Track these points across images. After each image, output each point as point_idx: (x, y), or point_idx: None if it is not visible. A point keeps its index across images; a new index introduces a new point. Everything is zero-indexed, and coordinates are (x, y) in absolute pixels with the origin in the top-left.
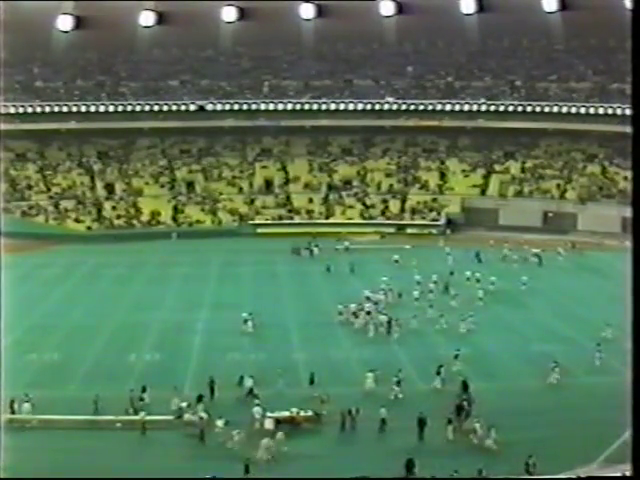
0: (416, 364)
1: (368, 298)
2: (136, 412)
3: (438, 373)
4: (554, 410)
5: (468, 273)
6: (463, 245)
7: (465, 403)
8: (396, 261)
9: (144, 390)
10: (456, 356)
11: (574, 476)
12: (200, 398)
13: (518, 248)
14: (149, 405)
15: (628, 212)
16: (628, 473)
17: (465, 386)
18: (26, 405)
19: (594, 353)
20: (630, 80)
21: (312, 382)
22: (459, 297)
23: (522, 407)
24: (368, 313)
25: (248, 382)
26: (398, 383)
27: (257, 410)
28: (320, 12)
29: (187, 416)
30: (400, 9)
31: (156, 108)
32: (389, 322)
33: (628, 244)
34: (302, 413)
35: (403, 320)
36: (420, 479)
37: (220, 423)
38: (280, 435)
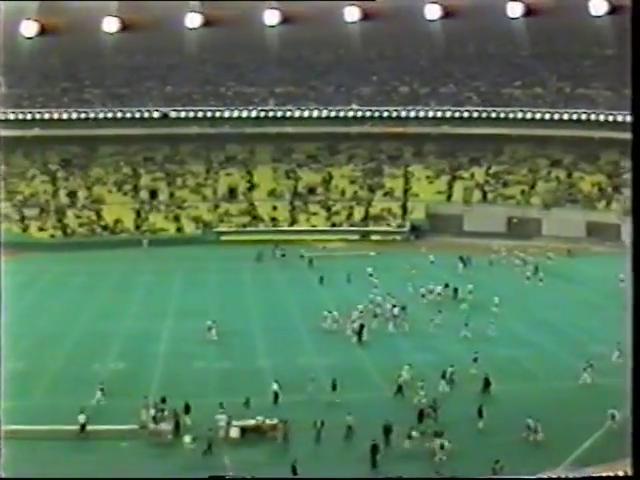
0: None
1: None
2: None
3: (443, 377)
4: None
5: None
6: (431, 252)
7: (430, 409)
8: (370, 274)
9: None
10: (475, 359)
11: (574, 476)
12: (163, 410)
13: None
14: (113, 414)
15: (593, 217)
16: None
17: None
18: None
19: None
20: (594, 85)
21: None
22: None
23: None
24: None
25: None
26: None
27: (222, 418)
28: (285, 18)
29: (152, 426)
30: (365, 15)
31: (119, 115)
32: (361, 328)
33: (595, 249)
34: (268, 421)
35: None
36: (422, 479)
37: (188, 439)
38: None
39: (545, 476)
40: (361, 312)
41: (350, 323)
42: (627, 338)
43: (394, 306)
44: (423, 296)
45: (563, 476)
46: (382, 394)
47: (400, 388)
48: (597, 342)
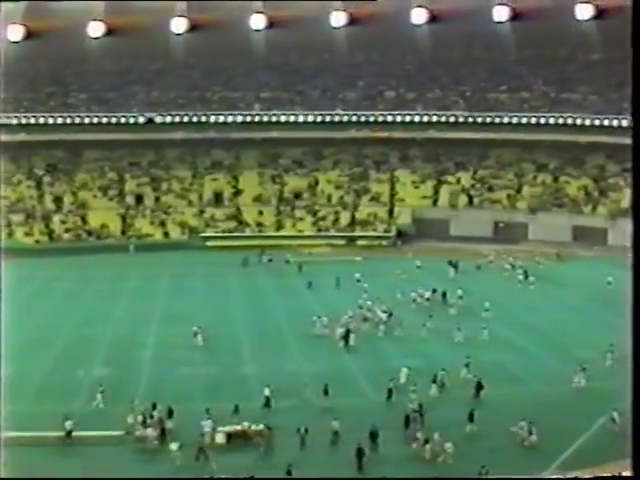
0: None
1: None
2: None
3: (434, 381)
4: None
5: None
6: (417, 257)
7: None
8: (358, 280)
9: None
10: (467, 364)
11: (574, 476)
12: (152, 416)
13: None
14: (99, 421)
15: (579, 221)
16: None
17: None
18: None
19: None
20: (579, 89)
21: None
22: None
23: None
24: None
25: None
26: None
27: (207, 424)
28: (271, 23)
29: (138, 432)
30: (351, 20)
31: (105, 120)
32: (347, 333)
33: (583, 253)
34: (253, 427)
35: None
36: (425, 479)
37: (174, 447)
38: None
39: (545, 476)
40: (351, 317)
41: (340, 328)
42: (619, 341)
43: (384, 312)
44: (414, 301)
45: (564, 477)
46: (371, 399)
47: (390, 393)
48: (590, 346)
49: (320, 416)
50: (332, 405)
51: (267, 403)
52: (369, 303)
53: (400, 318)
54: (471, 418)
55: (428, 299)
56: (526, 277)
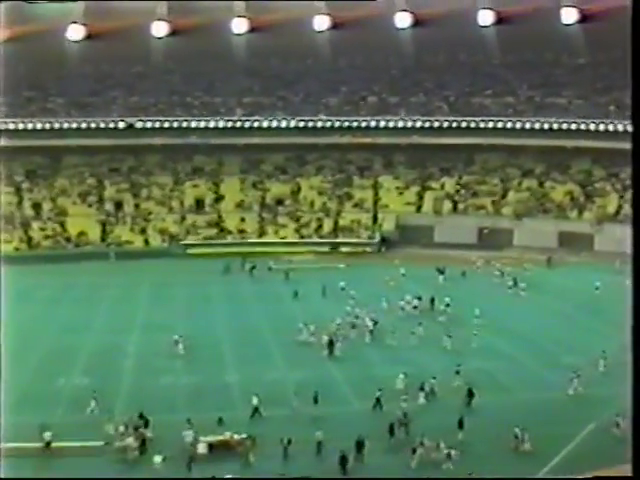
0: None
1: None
2: None
3: (422, 389)
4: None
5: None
6: (402, 263)
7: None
8: (342, 288)
9: None
10: (458, 372)
11: (574, 477)
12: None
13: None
14: (78, 431)
15: (565, 227)
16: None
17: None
18: None
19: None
20: (565, 93)
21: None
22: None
23: None
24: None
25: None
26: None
27: (189, 434)
28: (252, 27)
29: (118, 442)
30: (334, 24)
31: (84, 125)
32: (330, 342)
33: (571, 259)
34: (236, 436)
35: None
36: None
37: (158, 459)
38: None
39: (546, 477)
40: (338, 324)
41: (326, 336)
42: (608, 347)
43: (372, 320)
44: (402, 309)
45: (564, 477)
46: (357, 408)
47: (379, 401)
48: (580, 353)
49: (307, 425)
50: (322, 414)
51: (255, 412)
52: (357, 310)
53: (389, 326)
54: (460, 425)
55: (416, 307)
56: (515, 284)
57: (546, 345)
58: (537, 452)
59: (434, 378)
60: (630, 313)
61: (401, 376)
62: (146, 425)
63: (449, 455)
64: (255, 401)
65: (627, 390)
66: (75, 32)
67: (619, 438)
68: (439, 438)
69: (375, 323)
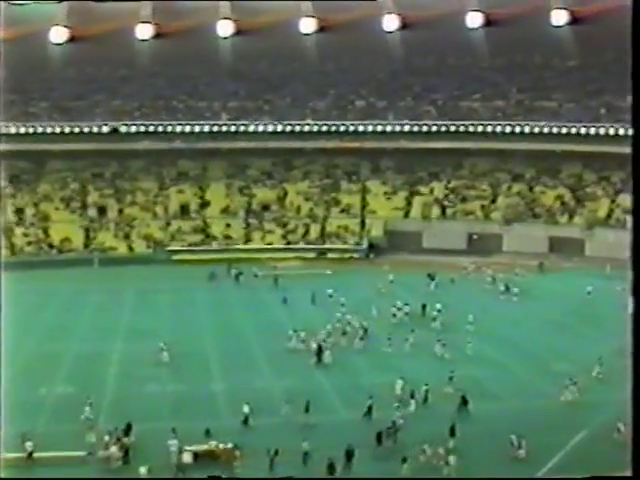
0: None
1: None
2: None
3: (412, 397)
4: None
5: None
6: (390, 270)
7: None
8: (330, 296)
9: None
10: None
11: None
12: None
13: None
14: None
15: (555, 232)
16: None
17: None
18: None
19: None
20: (555, 97)
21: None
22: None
23: None
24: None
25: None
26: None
27: (173, 443)
28: (238, 30)
29: (101, 452)
30: (321, 27)
31: (68, 129)
32: (319, 349)
33: (563, 264)
34: (221, 446)
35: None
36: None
37: (144, 470)
38: None
39: (546, 477)
40: (329, 332)
41: (315, 343)
42: (602, 353)
43: (362, 327)
44: (394, 315)
45: (564, 477)
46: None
47: (370, 410)
48: (573, 359)
49: (296, 434)
50: (311, 422)
51: (245, 421)
52: (348, 317)
53: (379, 333)
54: (452, 433)
55: (407, 313)
56: (507, 290)
57: (539, 351)
58: (530, 459)
59: (426, 385)
60: (622, 318)
61: (399, 382)
62: (126, 434)
63: (446, 462)
64: (246, 409)
65: (621, 395)
66: (58, 34)
67: (616, 444)
68: (431, 446)
69: (365, 330)
